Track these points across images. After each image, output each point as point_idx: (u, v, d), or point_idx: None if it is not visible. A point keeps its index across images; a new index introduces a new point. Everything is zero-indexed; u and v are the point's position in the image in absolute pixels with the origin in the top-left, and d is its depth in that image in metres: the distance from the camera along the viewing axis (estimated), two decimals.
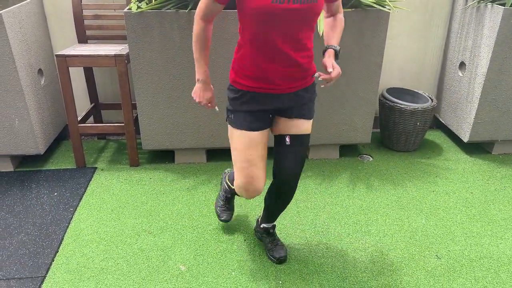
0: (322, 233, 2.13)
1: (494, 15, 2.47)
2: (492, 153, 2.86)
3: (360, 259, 1.96)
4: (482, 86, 2.60)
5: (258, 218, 2.05)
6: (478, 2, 2.61)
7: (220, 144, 2.66)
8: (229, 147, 2.62)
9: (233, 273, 1.88)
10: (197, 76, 1.62)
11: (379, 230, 2.15)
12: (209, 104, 1.69)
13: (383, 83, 3.11)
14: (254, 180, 1.62)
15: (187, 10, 2.28)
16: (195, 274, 1.88)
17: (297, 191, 2.46)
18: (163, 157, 2.82)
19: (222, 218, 2.06)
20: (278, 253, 1.93)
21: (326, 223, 2.20)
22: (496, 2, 2.51)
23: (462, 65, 2.83)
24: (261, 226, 1.98)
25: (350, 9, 2.33)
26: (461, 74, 2.83)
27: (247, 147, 1.60)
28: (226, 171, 2.14)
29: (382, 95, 2.89)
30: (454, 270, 1.90)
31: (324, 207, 2.32)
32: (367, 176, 2.61)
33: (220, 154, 2.83)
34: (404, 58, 3.05)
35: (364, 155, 2.86)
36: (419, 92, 2.95)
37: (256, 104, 1.58)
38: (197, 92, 1.65)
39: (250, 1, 1.38)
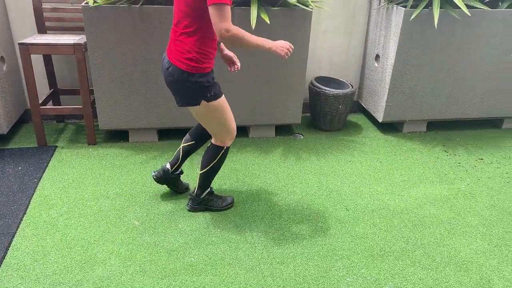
0: (255, 194, 2.56)
1: (398, 15, 2.99)
2: (402, 131, 3.41)
3: (285, 212, 2.40)
4: (391, 74, 3.13)
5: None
6: (387, 4, 3.13)
7: (170, 124, 3.02)
8: (178, 127, 3.00)
9: (179, 225, 2.27)
10: (269, 46, 1.90)
11: (302, 190, 2.61)
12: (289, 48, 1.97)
13: (314, 72, 3.58)
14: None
15: (138, 5, 2.63)
16: (147, 227, 2.25)
17: (236, 163, 2.88)
18: (119, 137, 3.14)
19: (230, 201, 2.42)
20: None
21: (260, 187, 2.63)
22: (400, 4, 3.04)
23: (377, 57, 3.35)
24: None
25: (278, 8, 2.77)
26: (376, 65, 3.36)
27: (228, 107, 2.08)
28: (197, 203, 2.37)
29: (311, 83, 3.36)
30: (358, 218, 2.39)
31: (259, 175, 2.75)
32: (297, 151, 3.07)
33: (170, 134, 3.20)
34: (332, 51, 3.54)
35: (297, 134, 3.32)
36: (343, 80, 3.46)
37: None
38: (281, 47, 1.93)
39: None
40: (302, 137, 3.29)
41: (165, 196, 2.50)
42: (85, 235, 2.17)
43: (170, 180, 2.43)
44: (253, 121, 3.14)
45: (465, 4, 2.89)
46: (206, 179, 2.29)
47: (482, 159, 3.04)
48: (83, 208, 2.37)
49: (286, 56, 1.96)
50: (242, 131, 3.28)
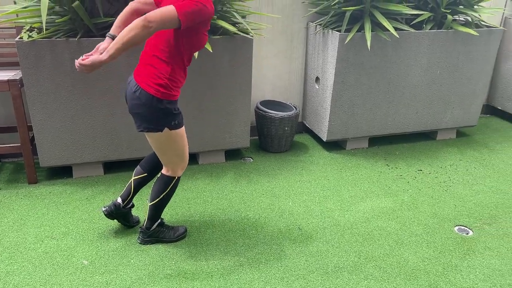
0: (209, 221, 2.54)
1: (334, 39, 3.16)
2: (346, 148, 3.55)
3: (240, 237, 2.40)
4: (331, 95, 3.27)
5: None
6: (323, 29, 3.30)
7: (116, 156, 2.95)
8: (125, 159, 2.93)
9: (132, 261, 2.20)
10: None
11: (255, 213, 2.63)
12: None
13: (259, 96, 3.67)
14: None
15: (76, 39, 2.58)
16: (97, 266, 2.15)
17: (188, 191, 2.85)
18: (61, 173, 3.01)
19: (183, 231, 2.38)
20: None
21: (213, 213, 2.62)
22: (335, 29, 3.21)
23: (317, 79, 3.50)
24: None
25: (219, 36, 2.83)
26: (317, 87, 3.50)
27: (186, 137, 2.12)
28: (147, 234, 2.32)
29: (257, 106, 3.43)
30: (311, 236, 2.44)
31: (211, 202, 2.74)
32: (247, 174, 3.10)
33: (116, 167, 3.11)
34: (274, 75, 3.65)
35: (246, 158, 3.36)
36: (287, 103, 3.56)
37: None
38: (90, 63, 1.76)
39: (206, 27, 1.92)
40: (252, 160, 3.33)
41: (114, 232, 2.41)
42: (29, 280, 2.04)
43: (122, 214, 2.36)
44: (202, 147, 3.14)
45: (393, 26, 3.11)
46: (156, 210, 2.24)
47: (421, 170, 3.23)
48: (26, 251, 2.23)
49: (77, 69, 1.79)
50: (192, 158, 3.27)
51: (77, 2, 2.47)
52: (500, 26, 3.97)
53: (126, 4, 2.84)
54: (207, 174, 3.08)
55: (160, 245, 2.32)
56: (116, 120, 2.85)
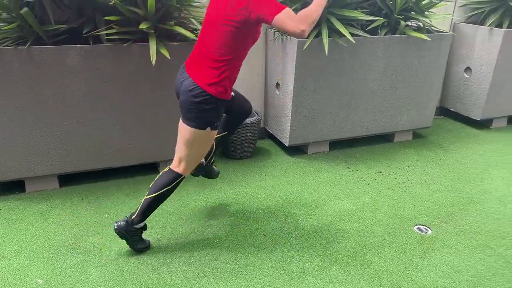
0: (171, 232, 2.48)
1: (292, 45, 3.19)
2: (308, 153, 3.58)
3: (204, 247, 2.36)
4: (292, 101, 3.30)
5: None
6: (281, 35, 3.32)
7: (72, 168, 2.83)
8: (82, 171, 2.82)
9: (91, 277, 2.11)
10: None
11: (219, 222, 2.59)
12: None
13: None
14: None
15: (26, 47, 2.46)
16: (53, 284, 2.05)
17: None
18: (13, 188, 2.86)
19: (147, 244, 2.31)
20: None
21: (175, 224, 2.56)
22: None
23: (277, 85, 3.52)
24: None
25: (177, 43, 2.79)
26: (278, 92, 3.52)
27: None
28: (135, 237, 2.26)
29: None
30: (276, 242, 2.43)
31: (174, 212, 2.68)
32: (211, 182, 3.06)
33: (73, 179, 2.99)
34: (236, 81, 3.62)
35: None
36: None
37: None
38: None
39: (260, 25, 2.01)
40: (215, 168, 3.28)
41: (71, 247, 2.31)
42: None
43: (205, 171, 2.64)
44: (163, 156, 3.07)
45: (350, 32, 3.18)
46: (151, 205, 2.18)
47: (380, 172, 3.31)
48: None
49: None
50: (152, 168, 3.19)
51: (25, 9, 2.37)
52: (449, 31, 4.15)
53: (79, 11, 2.75)
54: None
55: (121, 259, 2.23)
56: (72, 131, 2.74)
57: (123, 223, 2.18)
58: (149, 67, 2.76)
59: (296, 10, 3.07)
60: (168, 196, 2.20)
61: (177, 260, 2.25)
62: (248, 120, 3.30)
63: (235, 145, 3.36)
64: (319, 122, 3.46)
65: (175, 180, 2.18)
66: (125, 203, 2.75)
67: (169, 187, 2.17)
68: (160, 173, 2.22)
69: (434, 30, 3.73)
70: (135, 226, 2.20)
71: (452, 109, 4.40)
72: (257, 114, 3.47)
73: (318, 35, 3.18)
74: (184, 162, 2.16)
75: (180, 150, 2.15)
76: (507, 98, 4.15)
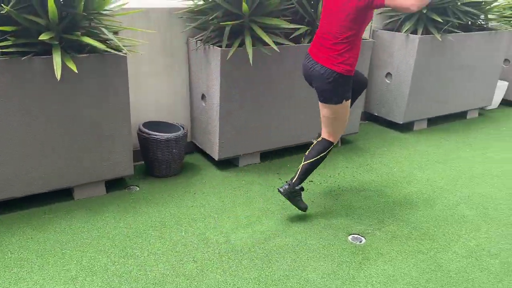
0: (87, 268, 2.20)
1: (215, 55, 3.04)
2: (239, 165, 3.44)
3: (125, 282, 2.11)
4: (219, 112, 3.14)
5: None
6: (204, 44, 3.16)
7: (2, 196, 2.43)
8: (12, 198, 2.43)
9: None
10: None
11: (143, 251, 2.35)
12: None
13: (141, 118, 3.38)
14: None
15: None
16: None
17: (61, 233, 2.45)
18: None
19: (306, 206, 2.70)
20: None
21: (91, 257, 2.28)
22: (216, 44, 3.10)
23: (203, 96, 3.35)
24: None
25: (86, 55, 2.52)
26: (204, 104, 3.34)
27: None
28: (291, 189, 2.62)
29: (140, 129, 3.15)
30: (207, 268, 2.25)
31: (90, 243, 2.39)
32: (133, 205, 2.80)
33: (5, 207, 2.58)
34: (156, 94, 3.40)
35: (131, 186, 3.05)
36: (173, 122, 3.34)
37: None
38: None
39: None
40: (138, 189, 3.03)
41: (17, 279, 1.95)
42: None
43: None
44: (77, 180, 2.76)
45: (273, 41, 3.10)
46: (307, 170, 2.58)
47: (312, 181, 3.25)
48: None
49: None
50: (66, 193, 2.86)
51: None
52: (369, 38, 4.26)
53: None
54: (85, 211, 2.71)
55: None
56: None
57: (286, 186, 2.58)
58: (55, 82, 2.47)
59: None
60: (321, 162, 2.60)
61: None
62: (172, 134, 3.09)
63: (160, 162, 3.13)
64: (249, 134, 3.33)
65: (328, 147, 2.60)
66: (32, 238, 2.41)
67: (324, 153, 2.59)
68: (313, 144, 2.63)
69: None
70: (296, 188, 2.59)
71: (376, 114, 4.51)
72: (183, 128, 3.27)
73: (242, 43, 3.06)
74: (333, 133, 2.60)
75: (327, 125, 2.58)
76: (426, 101, 4.33)
